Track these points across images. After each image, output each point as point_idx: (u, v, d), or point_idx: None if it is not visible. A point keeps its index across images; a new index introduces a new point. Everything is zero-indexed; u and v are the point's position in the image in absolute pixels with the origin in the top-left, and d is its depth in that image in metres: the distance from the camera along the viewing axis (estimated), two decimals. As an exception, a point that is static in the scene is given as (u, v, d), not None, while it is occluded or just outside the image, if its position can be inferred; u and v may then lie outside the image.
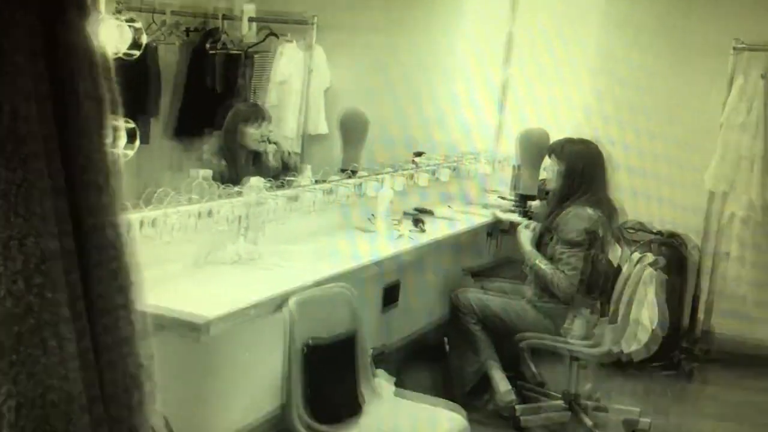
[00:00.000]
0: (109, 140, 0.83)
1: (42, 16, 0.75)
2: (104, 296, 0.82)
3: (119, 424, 0.82)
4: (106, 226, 0.82)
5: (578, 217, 3.42)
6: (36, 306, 0.77)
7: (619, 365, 4.02)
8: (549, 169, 3.62)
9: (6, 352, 0.76)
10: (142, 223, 2.37)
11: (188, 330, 2.16)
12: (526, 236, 3.61)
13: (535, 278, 3.53)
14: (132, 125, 2.05)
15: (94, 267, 0.82)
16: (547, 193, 3.77)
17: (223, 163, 3.31)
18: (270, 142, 3.42)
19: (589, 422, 3.53)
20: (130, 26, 2.12)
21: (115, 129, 1.97)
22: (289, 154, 3.57)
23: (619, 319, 3.51)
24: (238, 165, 3.35)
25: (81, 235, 0.80)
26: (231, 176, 3.19)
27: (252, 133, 3.39)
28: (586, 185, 3.48)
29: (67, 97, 0.79)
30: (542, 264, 3.46)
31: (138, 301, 0.86)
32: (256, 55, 3.91)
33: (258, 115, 3.43)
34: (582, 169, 3.49)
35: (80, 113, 0.80)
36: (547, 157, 3.66)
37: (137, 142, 2.05)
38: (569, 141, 3.59)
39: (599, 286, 3.52)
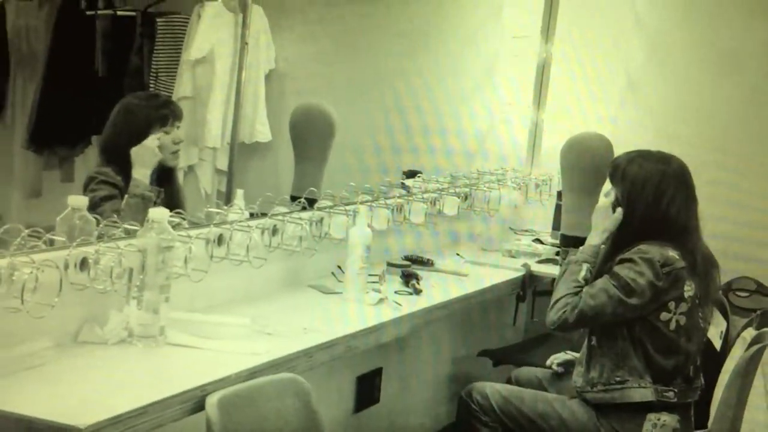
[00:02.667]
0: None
1: None
2: None
3: None
4: None
5: (650, 255, 3.44)
6: None
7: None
8: (610, 198, 3.64)
9: None
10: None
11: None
12: (603, 219, 3.59)
13: (589, 353, 3.56)
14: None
15: None
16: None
17: (111, 183, 3.31)
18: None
19: None
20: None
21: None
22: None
23: (713, 420, 3.52)
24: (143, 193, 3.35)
25: None
26: (137, 207, 3.19)
27: (159, 140, 3.39)
28: (661, 226, 3.51)
29: None
30: (581, 274, 3.50)
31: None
32: (159, 20, 3.94)
33: (165, 112, 3.45)
34: (653, 200, 3.52)
35: None
36: (608, 180, 3.70)
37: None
38: (641, 156, 3.62)
39: (684, 373, 3.53)
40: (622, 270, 3.43)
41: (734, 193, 4.73)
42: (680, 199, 3.54)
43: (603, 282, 3.45)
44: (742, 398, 3.53)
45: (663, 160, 3.59)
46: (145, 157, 3.33)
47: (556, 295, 3.56)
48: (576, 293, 3.48)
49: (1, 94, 3.74)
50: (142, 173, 3.31)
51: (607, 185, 3.66)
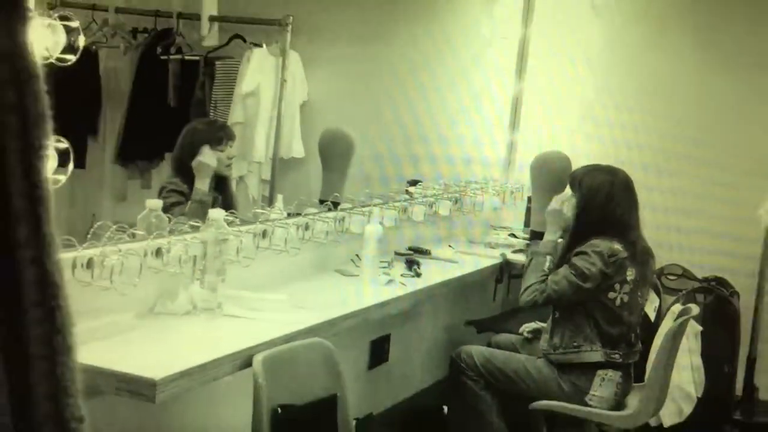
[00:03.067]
0: (45, 161, 0.86)
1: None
2: (41, 340, 0.85)
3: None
4: (46, 258, 0.85)
5: (600, 248, 3.46)
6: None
7: (649, 430, 4.03)
8: (567, 203, 3.64)
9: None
10: (74, 264, 2.37)
11: (142, 388, 2.18)
12: (557, 216, 3.59)
13: (553, 324, 3.57)
14: (65, 145, 2.06)
15: (30, 307, 0.85)
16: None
17: (179, 191, 3.32)
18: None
19: None
20: (64, 25, 2.14)
21: (58, 150, 1.99)
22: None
23: (649, 376, 3.54)
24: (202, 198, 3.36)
25: (19, 269, 0.83)
26: (195, 209, 3.20)
27: (213, 156, 3.40)
28: (609, 224, 3.52)
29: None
30: (546, 265, 3.52)
31: (77, 348, 0.89)
32: (218, 62, 3.94)
33: (221, 134, 3.46)
34: (604, 204, 3.52)
35: (12, 129, 0.84)
36: (568, 189, 3.70)
37: (71, 166, 2.06)
38: (594, 169, 3.63)
39: (626, 339, 3.54)
40: (579, 261, 3.44)
41: (668, 197, 4.73)
42: (624, 203, 3.54)
43: (564, 271, 3.46)
44: (672, 359, 3.54)
45: (611, 172, 3.59)
46: (202, 169, 3.34)
47: (527, 282, 3.57)
48: (543, 281, 3.50)
49: (95, 121, 3.75)
50: (201, 183, 3.32)
51: (566, 192, 3.67)
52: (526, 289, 3.55)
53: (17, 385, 0.85)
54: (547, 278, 3.49)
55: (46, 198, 0.86)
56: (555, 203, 3.64)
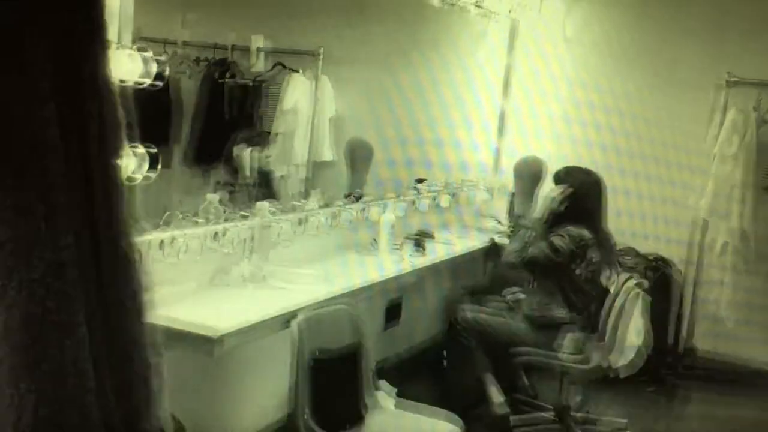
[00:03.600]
0: (120, 159, 0.87)
1: (57, 44, 0.80)
2: (118, 301, 0.87)
3: (128, 416, 0.87)
4: (122, 237, 0.87)
5: (573, 233, 3.45)
6: (54, 308, 0.82)
7: (607, 380, 4.04)
8: (547, 196, 3.61)
9: (25, 352, 0.81)
10: (150, 245, 2.38)
11: (202, 344, 2.20)
12: (550, 202, 3.53)
13: (531, 290, 3.56)
14: (155, 150, 2.09)
15: (110, 274, 0.87)
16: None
17: (230, 183, 3.34)
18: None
19: (579, 434, 3.54)
20: (142, 56, 2.16)
21: (136, 154, 2.01)
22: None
23: (608, 337, 3.53)
24: (248, 189, 3.39)
25: (99, 245, 0.85)
26: (243, 200, 3.23)
27: (259, 156, 3.43)
28: (583, 215, 3.51)
29: (83, 120, 0.84)
30: (532, 234, 3.49)
31: (147, 307, 0.90)
32: (264, 85, 3.95)
33: (258, 139, 3.49)
34: (580, 199, 3.51)
35: (93, 133, 0.85)
36: (551, 184, 3.67)
37: (159, 167, 2.08)
38: (575, 170, 3.62)
39: (588, 306, 3.53)
40: (555, 239, 3.43)
41: (624, 193, 4.72)
42: (595, 199, 3.54)
43: (542, 244, 3.45)
44: (625, 322, 3.53)
45: (587, 173, 3.60)
46: (239, 159, 3.37)
47: (510, 247, 3.56)
48: (524, 249, 3.48)
49: (167, 131, 3.77)
50: (243, 169, 3.35)
51: (545, 188, 3.64)
52: (510, 252, 3.54)
53: (103, 333, 0.86)
54: (527, 248, 3.48)
55: (121, 189, 0.87)
56: (553, 192, 3.54)
